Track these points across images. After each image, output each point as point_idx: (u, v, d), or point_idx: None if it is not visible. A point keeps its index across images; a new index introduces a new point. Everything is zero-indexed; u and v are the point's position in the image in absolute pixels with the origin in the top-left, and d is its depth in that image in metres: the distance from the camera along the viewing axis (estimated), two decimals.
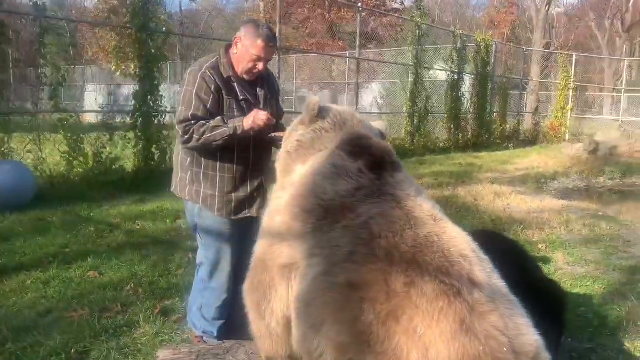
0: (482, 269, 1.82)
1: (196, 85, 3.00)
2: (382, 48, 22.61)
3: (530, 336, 1.70)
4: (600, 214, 7.79)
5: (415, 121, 15.08)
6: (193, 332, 3.44)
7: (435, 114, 16.15)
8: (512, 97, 19.86)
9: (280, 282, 2.24)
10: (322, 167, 2.22)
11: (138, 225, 6.39)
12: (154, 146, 9.21)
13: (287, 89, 24.38)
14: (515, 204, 8.25)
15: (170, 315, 3.97)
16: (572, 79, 20.01)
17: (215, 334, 3.28)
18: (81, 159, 8.52)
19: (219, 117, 3.01)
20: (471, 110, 17.20)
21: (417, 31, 14.81)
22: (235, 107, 3.09)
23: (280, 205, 2.34)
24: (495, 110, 18.28)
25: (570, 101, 19.87)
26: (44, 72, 8.23)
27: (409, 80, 15.16)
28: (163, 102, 9.47)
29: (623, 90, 22.08)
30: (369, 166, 2.15)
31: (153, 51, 9.12)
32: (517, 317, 1.73)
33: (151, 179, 8.81)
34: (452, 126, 16.41)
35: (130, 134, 9.14)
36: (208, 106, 3.00)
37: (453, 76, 16.26)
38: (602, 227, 6.78)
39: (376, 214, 1.98)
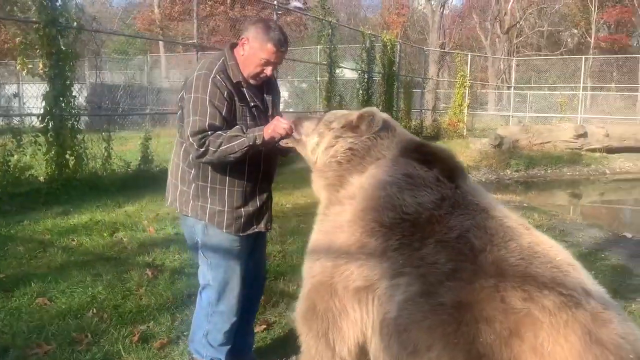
0: (587, 276, 1.81)
1: (208, 91, 2.72)
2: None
3: None
4: (525, 205, 8.34)
5: None
6: None
7: None
8: (415, 95, 20.75)
9: (355, 307, 2.06)
10: (393, 178, 2.09)
11: (73, 241, 5.77)
12: (68, 152, 8.44)
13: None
14: None
15: (152, 341, 3.61)
16: (468, 77, 21.31)
17: None
18: None
19: (236, 127, 2.77)
20: (380, 109, 17.64)
21: (329, 30, 14.92)
22: (247, 114, 2.85)
23: (342, 221, 2.16)
24: (400, 108, 18.96)
25: (466, 98, 21.14)
26: None
27: (319, 79, 15.26)
28: (76, 103, 8.70)
29: (513, 87, 23.97)
30: (445, 175, 2.06)
31: (64, 48, 8.32)
32: (627, 321, 1.74)
33: (68, 188, 8.09)
34: None
35: (41, 139, 8.27)
36: (223, 114, 2.73)
37: (363, 75, 16.60)
38: (535, 218, 7.25)
39: (471, 226, 1.89)
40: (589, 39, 39.25)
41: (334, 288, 2.12)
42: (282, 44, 2.80)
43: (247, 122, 2.81)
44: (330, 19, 14.77)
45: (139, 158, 9.94)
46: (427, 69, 22.32)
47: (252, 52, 2.77)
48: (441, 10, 25.60)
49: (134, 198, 7.92)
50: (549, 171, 13.90)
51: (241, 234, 2.93)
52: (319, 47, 17.53)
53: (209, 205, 2.89)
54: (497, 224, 1.92)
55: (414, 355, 1.82)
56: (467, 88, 21.23)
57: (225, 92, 2.74)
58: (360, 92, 16.51)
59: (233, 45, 2.92)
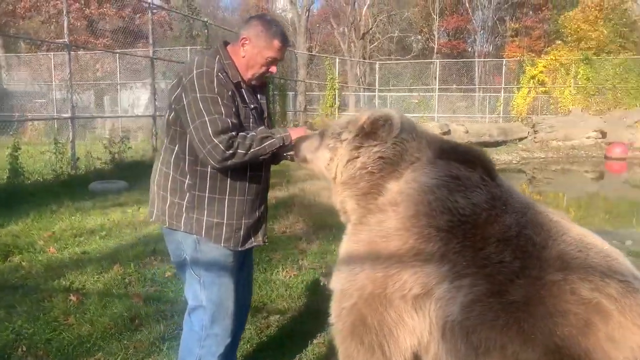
0: (629, 262, 1.97)
1: (216, 89, 2.47)
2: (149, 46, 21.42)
3: None
4: None
5: None
6: None
7: None
8: (288, 98, 21.00)
9: (412, 315, 2.00)
10: (439, 180, 2.06)
11: None
12: None
13: (44, 91, 21.42)
14: None
15: None
16: (337, 80, 22.09)
17: None
18: None
19: (262, 128, 2.60)
20: None
21: (204, 30, 14.52)
22: (250, 116, 2.66)
23: (388, 229, 2.08)
24: (277, 111, 19.05)
25: (337, 100, 21.88)
26: None
27: None
28: None
29: (377, 89, 25.32)
30: (487, 174, 2.11)
31: None
32: None
33: None
34: None
35: None
36: (233, 113, 2.52)
37: None
38: None
39: (526, 223, 1.95)
40: (432, 44, 42.77)
41: (388, 299, 2.03)
42: (286, 39, 2.66)
43: (250, 125, 2.63)
44: (206, 19, 14.36)
45: (7, 171, 8.81)
46: (298, 72, 22.70)
47: (257, 51, 2.59)
48: (307, 15, 26.21)
49: (15, 216, 6.98)
50: None
51: (240, 248, 2.72)
52: (188, 47, 17.01)
53: (205, 218, 2.64)
54: (546, 219, 2.00)
55: (487, 355, 1.83)
56: (337, 90, 21.98)
57: (230, 92, 2.53)
58: None
59: (225, 44, 2.71)
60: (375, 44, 41.83)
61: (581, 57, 23.77)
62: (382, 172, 2.21)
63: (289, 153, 2.68)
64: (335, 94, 21.96)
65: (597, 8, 27.83)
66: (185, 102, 2.51)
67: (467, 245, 1.93)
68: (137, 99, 21.50)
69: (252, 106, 2.66)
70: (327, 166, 2.43)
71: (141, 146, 13.20)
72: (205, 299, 2.71)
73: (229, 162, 2.45)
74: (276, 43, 2.60)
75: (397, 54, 43.71)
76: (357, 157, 2.29)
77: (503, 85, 26.14)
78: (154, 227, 6.59)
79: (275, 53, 2.61)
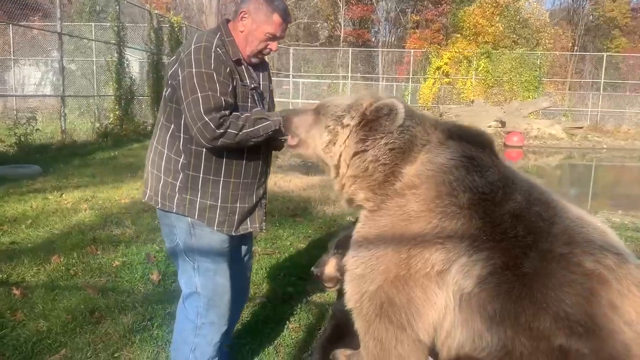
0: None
1: (213, 65, 2.36)
2: (48, 20, 19.77)
3: None
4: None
5: (123, 104, 14.02)
6: None
7: (138, 96, 15.30)
8: None
9: (437, 291, 2.06)
10: (455, 161, 2.13)
11: None
12: None
13: None
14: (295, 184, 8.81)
15: None
16: None
17: None
18: None
19: (258, 109, 2.50)
20: None
21: (117, 6, 13.68)
22: (249, 96, 2.55)
23: (410, 211, 2.11)
24: None
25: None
26: None
27: (106, 59, 13.90)
28: None
29: (291, 75, 25.15)
30: (494, 154, 2.22)
31: None
32: None
33: None
34: (155, 109, 15.86)
35: None
36: (229, 91, 2.41)
37: (153, 57, 15.66)
38: None
39: (534, 200, 2.07)
40: (338, 32, 43.40)
41: (413, 279, 2.08)
42: (287, 14, 2.55)
43: (247, 104, 2.54)
44: None
45: None
46: None
47: (256, 26, 2.49)
48: None
49: None
50: None
51: (234, 233, 2.63)
52: (92, 24, 15.93)
53: (199, 199, 2.53)
54: (550, 197, 2.15)
55: (501, 324, 1.93)
56: None
57: (228, 69, 2.43)
58: (151, 74, 15.56)
59: (227, 21, 2.59)
60: None
61: (482, 51, 25.31)
62: (395, 161, 2.22)
63: (283, 137, 2.56)
64: None
65: (494, 4, 29.67)
66: (180, 77, 2.40)
67: (487, 222, 2.03)
68: (26, 77, 19.82)
69: (252, 86, 2.57)
70: (325, 148, 2.36)
71: (49, 128, 12.22)
72: (200, 286, 2.62)
73: (219, 142, 2.36)
74: (276, 17, 2.49)
75: (304, 40, 43.84)
76: (366, 150, 2.26)
77: (411, 76, 27.19)
78: (84, 214, 6.20)
79: (274, 29, 2.51)
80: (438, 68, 25.63)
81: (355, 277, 2.26)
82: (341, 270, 2.79)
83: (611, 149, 19.82)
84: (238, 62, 2.51)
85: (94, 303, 3.80)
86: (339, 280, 2.84)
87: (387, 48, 40.47)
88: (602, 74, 26.47)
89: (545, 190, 2.21)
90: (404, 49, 37.21)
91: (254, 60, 2.60)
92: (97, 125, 13.28)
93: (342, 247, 2.77)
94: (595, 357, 1.80)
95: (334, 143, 2.35)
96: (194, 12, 37.06)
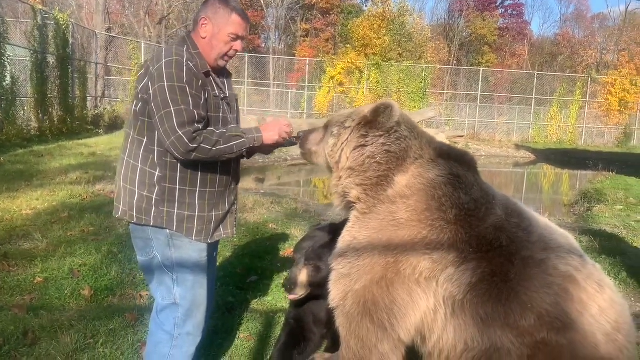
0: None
1: (185, 79, 2.39)
2: None
3: None
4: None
5: (3, 106, 12.83)
6: None
7: (22, 97, 14.10)
8: (90, 81, 19.20)
9: (421, 295, 2.23)
10: (444, 178, 2.32)
11: None
12: None
13: None
14: None
15: None
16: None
17: None
18: None
19: (234, 126, 2.59)
20: (56, 94, 15.76)
21: None
22: (220, 107, 2.61)
23: (400, 219, 2.27)
24: (76, 95, 17.30)
25: None
26: None
27: None
28: None
29: None
30: (476, 173, 2.45)
31: None
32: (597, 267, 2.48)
33: None
34: (39, 112, 14.71)
35: None
36: (202, 104, 2.45)
37: (37, 55, 14.52)
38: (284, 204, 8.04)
39: (511, 212, 2.32)
40: None
41: (400, 281, 2.24)
42: (245, 14, 2.64)
43: (219, 115, 2.60)
44: None
45: None
46: (98, 54, 20.83)
47: (218, 29, 2.56)
48: None
49: None
50: None
51: (209, 241, 2.67)
52: None
53: (176, 211, 2.54)
54: (522, 208, 2.43)
55: (492, 325, 2.16)
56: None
57: (200, 82, 2.47)
58: (35, 75, 14.40)
59: (189, 33, 2.61)
60: (173, 30, 40.39)
61: (372, 62, 26.50)
62: (389, 165, 2.40)
63: (293, 136, 2.75)
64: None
65: (380, 18, 31.24)
66: (151, 91, 2.41)
67: (474, 235, 2.25)
68: None
69: (221, 96, 2.64)
70: (330, 152, 2.55)
71: None
72: (179, 297, 2.61)
73: (193, 156, 2.41)
74: (235, 17, 2.57)
75: None
76: (365, 146, 2.44)
77: (306, 84, 27.69)
78: None
79: (236, 28, 2.58)
80: (332, 77, 26.41)
81: (341, 276, 2.38)
82: (314, 279, 2.91)
83: (488, 156, 21.73)
84: (207, 74, 2.56)
85: (25, 323, 3.53)
86: (307, 290, 2.96)
87: (277, 55, 40.78)
88: (479, 86, 28.88)
89: (516, 202, 2.49)
90: (294, 56, 37.85)
91: (220, 63, 2.65)
92: None
93: (314, 258, 2.89)
94: (571, 346, 2.09)
95: (337, 144, 2.53)
96: (73, 8, 34.77)
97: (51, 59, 15.40)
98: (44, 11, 15.32)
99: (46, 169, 9.38)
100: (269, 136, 2.60)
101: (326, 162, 2.62)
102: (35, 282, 4.27)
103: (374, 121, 2.46)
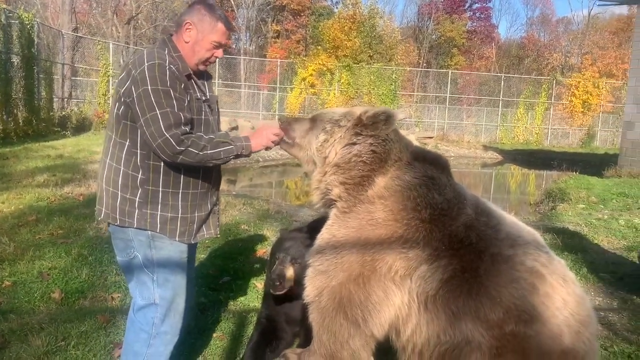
0: None
1: (168, 82, 2.42)
2: None
3: None
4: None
5: None
6: None
7: None
8: (56, 82, 18.82)
9: (396, 292, 2.31)
10: (419, 180, 2.41)
11: None
12: None
13: None
14: None
15: None
16: (112, 66, 20.57)
17: None
18: None
19: (223, 132, 2.64)
20: (20, 95, 15.41)
21: None
22: (203, 109, 2.64)
23: (377, 218, 2.34)
24: (42, 96, 16.93)
25: (110, 87, 20.31)
26: None
27: None
28: None
29: None
30: (449, 174, 2.55)
31: None
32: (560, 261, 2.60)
33: None
34: (3, 113, 14.36)
35: None
36: (185, 106, 2.49)
37: (0, 56, 14.18)
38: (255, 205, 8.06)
39: (481, 212, 2.42)
40: None
41: (376, 279, 2.31)
42: (230, 23, 2.69)
43: (202, 118, 2.64)
44: None
45: None
46: (64, 55, 20.43)
47: (202, 36, 2.59)
48: None
49: None
50: None
51: (192, 241, 2.72)
52: None
53: (159, 213, 2.58)
54: (491, 208, 2.53)
55: (463, 319, 2.25)
56: (110, 77, 20.43)
57: (182, 85, 2.51)
58: None
59: (170, 35, 2.63)
60: (142, 30, 39.90)
61: (343, 64, 26.67)
62: (372, 165, 2.47)
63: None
64: (109, 81, 20.38)
65: (351, 20, 31.47)
66: (135, 95, 2.43)
67: (446, 234, 2.34)
68: None
69: (203, 99, 2.68)
70: (319, 146, 2.58)
71: None
72: (158, 297, 2.65)
73: (179, 158, 2.44)
74: (220, 26, 2.61)
75: None
76: (355, 144, 2.50)
77: (278, 85, 27.69)
78: None
79: (219, 37, 2.62)
80: (304, 79, 26.48)
81: (318, 272, 2.44)
82: (299, 276, 2.98)
83: (457, 157, 22.11)
84: (188, 77, 2.59)
85: None
86: (291, 287, 3.03)
87: (248, 56, 40.67)
88: (448, 88, 29.35)
89: (485, 201, 2.59)
90: (265, 58, 37.80)
91: (200, 67, 2.69)
92: None
93: (301, 257, 2.95)
94: (538, 337, 2.19)
95: (328, 140, 2.56)
96: (38, 7, 34.01)
97: (15, 59, 15.07)
98: (7, 10, 14.97)
99: (12, 172, 9.19)
100: (258, 142, 2.63)
101: (309, 156, 2.64)
102: (4, 286, 4.21)
103: (371, 125, 2.51)
